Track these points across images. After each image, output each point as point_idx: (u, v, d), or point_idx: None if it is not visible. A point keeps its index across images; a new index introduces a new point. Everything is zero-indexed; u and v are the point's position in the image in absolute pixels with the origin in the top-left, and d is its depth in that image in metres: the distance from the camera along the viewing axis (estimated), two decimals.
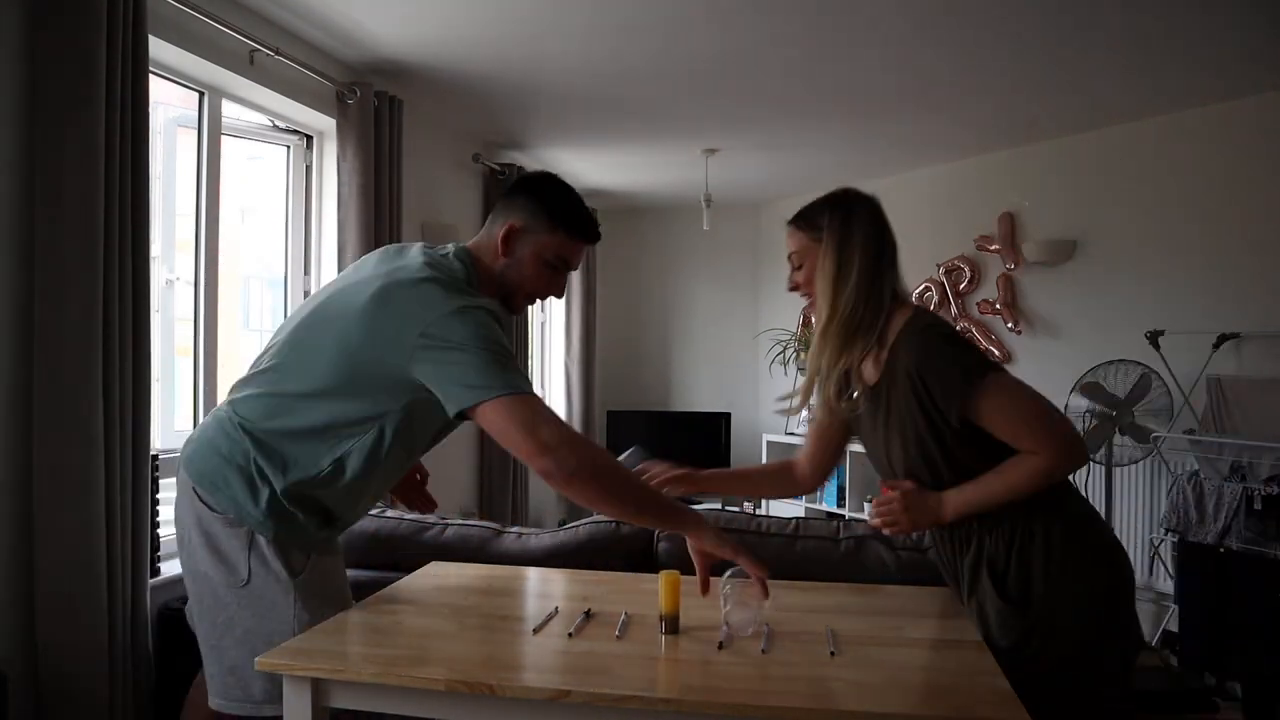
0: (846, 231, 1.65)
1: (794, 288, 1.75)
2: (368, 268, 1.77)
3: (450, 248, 1.79)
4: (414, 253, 1.77)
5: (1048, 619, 1.56)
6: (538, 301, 1.86)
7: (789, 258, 1.75)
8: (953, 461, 1.62)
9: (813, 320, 1.70)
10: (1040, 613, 1.56)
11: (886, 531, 1.71)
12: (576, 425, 5.93)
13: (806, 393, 1.74)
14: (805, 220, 1.72)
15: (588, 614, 1.75)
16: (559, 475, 1.54)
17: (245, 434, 1.66)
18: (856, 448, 5.54)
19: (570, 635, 1.63)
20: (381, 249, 1.87)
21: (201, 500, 1.67)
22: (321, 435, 1.65)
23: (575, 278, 5.87)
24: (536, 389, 5.93)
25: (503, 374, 1.53)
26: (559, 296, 1.87)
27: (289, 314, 1.84)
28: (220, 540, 1.66)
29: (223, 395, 1.84)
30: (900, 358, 1.61)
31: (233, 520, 1.66)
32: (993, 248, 4.75)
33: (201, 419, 1.84)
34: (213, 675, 1.68)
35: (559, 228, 1.76)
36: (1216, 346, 3.60)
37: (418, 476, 2.10)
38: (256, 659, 1.51)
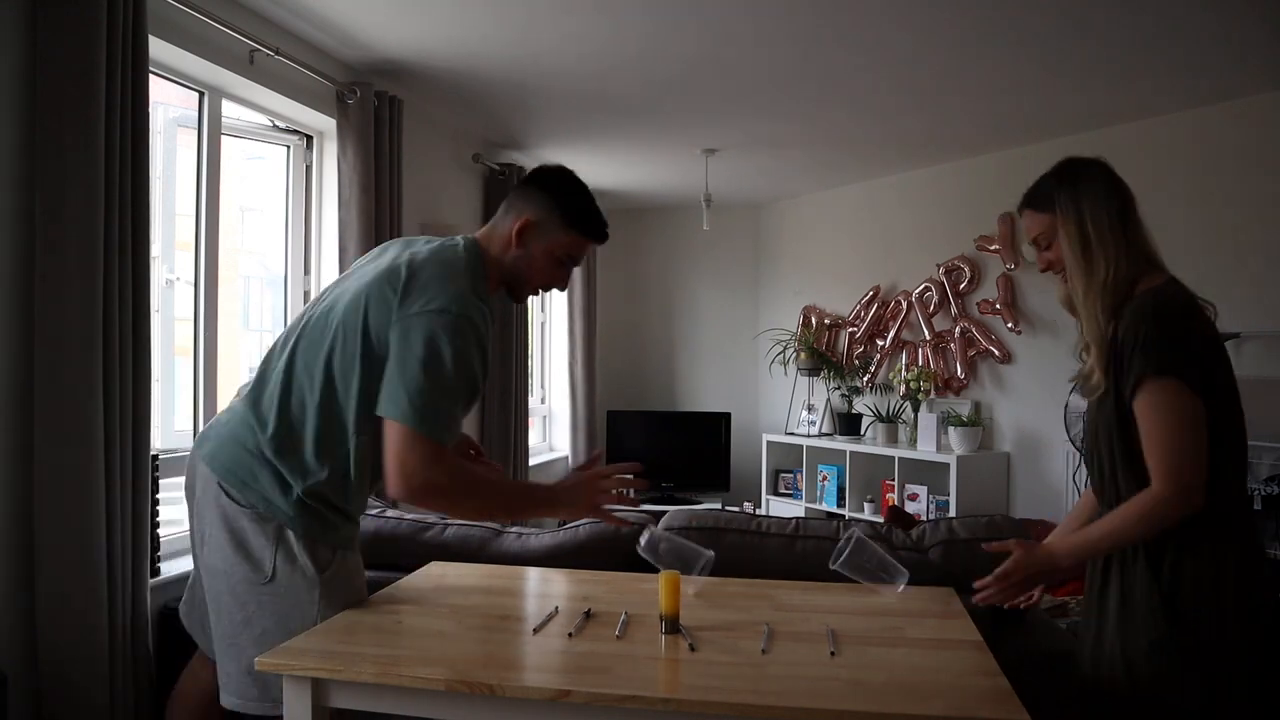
0: (1078, 198, 1.63)
1: (1046, 268, 1.72)
2: (381, 256, 1.79)
3: (459, 239, 1.81)
4: (421, 242, 1.81)
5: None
6: (539, 293, 1.89)
7: (1033, 242, 1.73)
8: (1134, 450, 1.53)
9: (1071, 296, 1.66)
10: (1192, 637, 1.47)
11: (1009, 606, 1.70)
12: (579, 425, 5.93)
13: (1099, 359, 1.60)
14: (1037, 199, 1.70)
15: (588, 614, 1.75)
16: (406, 496, 1.60)
17: (262, 430, 1.67)
18: (856, 447, 5.53)
19: (570, 635, 1.63)
20: (391, 241, 1.88)
21: (228, 495, 1.67)
22: (330, 432, 1.66)
23: (576, 278, 5.86)
24: (537, 389, 5.88)
25: (430, 408, 1.58)
26: (562, 290, 1.90)
27: (297, 312, 1.85)
28: (247, 535, 1.66)
29: (223, 395, 1.86)
30: (1120, 324, 1.56)
31: (262, 515, 1.66)
32: (993, 248, 4.75)
33: (218, 413, 1.83)
34: (229, 674, 1.68)
35: (573, 227, 1.81)
36: None
37: (471, 452, 2.07)
38: (256, 659, 1.52)
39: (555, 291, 6.38)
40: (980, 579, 1.66)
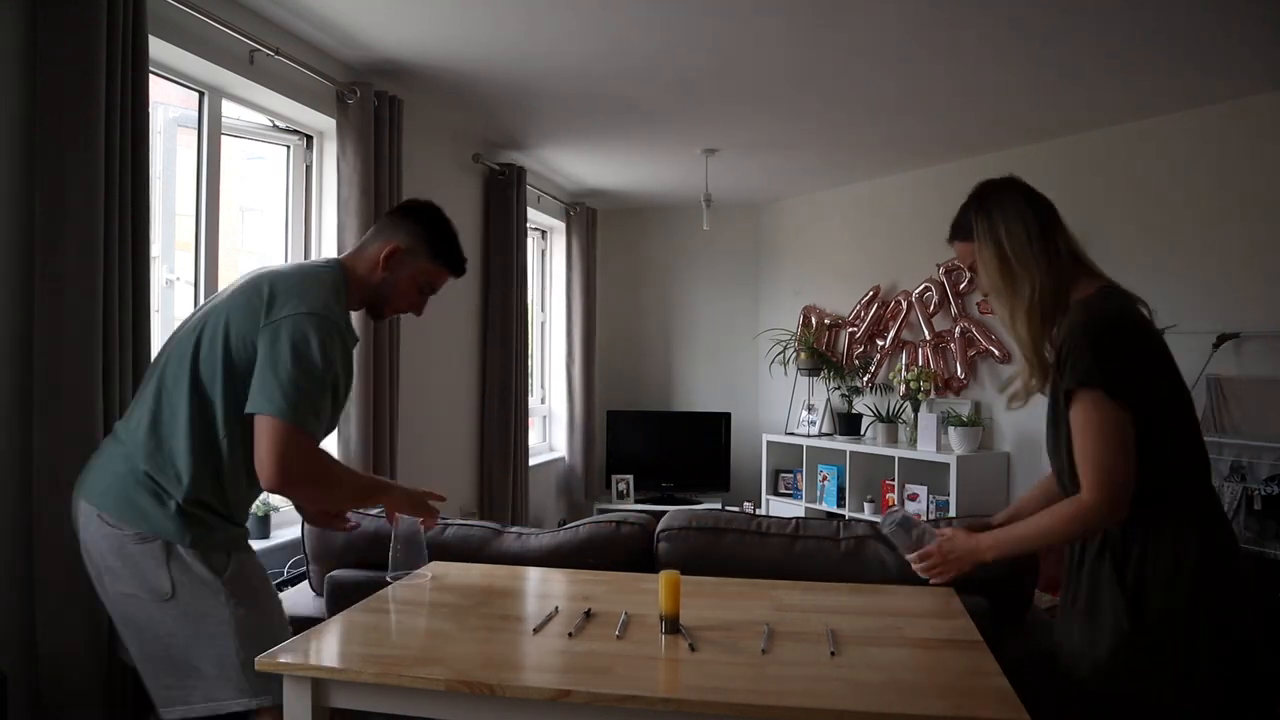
0: (993, 220, 1.64)
1: (986, 294, 1.74)
2: (242, 280, 1.86)
3: (325, 259, 1.95)
4: (283, 265, 1.93)
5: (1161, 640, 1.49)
6: (398, 316, 2.00)
7: (968, 271, 1.75)
8: (1070, 451, 1.56)
9: (1001, 319, 1.67)
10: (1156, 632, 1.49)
11: (935, 583, 1.80)
12: (577, 425, 5.94)
13: (1027, 379, 1.65)
14: (959, 228, 1.72)
15: (588, 614, 1.75)
16: (280, 486, 1.66)
17: (133, 445, 1.71)
18: (856, 447, 5.53)
19: (570, 635, 1.63)
20: (254, 269, 1.96)
21: (109, 524, 1.70)
22: (202, 433, 1.71)
23: (575, 278, 5.87)
24: (537, 389, 5.88)
25: (302, 402, 1.64)
26: (418, 315, 2.02)
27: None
28: (137, 559, 1.69)
29: None
30: (1061, 329, 1.57)
31: (145, 536, 1.68)
32: None
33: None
34: (166, 686, 1.71)
35: (438, 257, 1.93)
36: (1216, 346, 3.59)
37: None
38: (256, 659, 1.52)
39: (545, 289, 6.34)
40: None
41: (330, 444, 3.43)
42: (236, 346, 1.69)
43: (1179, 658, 1.47)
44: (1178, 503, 1.52)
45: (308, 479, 1.70)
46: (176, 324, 2.80)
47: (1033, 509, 1.72)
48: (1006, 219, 1.63)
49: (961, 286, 4.95)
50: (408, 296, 1.94)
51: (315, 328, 1.68)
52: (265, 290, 1.73)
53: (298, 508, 2.06)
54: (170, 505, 1.69)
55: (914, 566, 1.79)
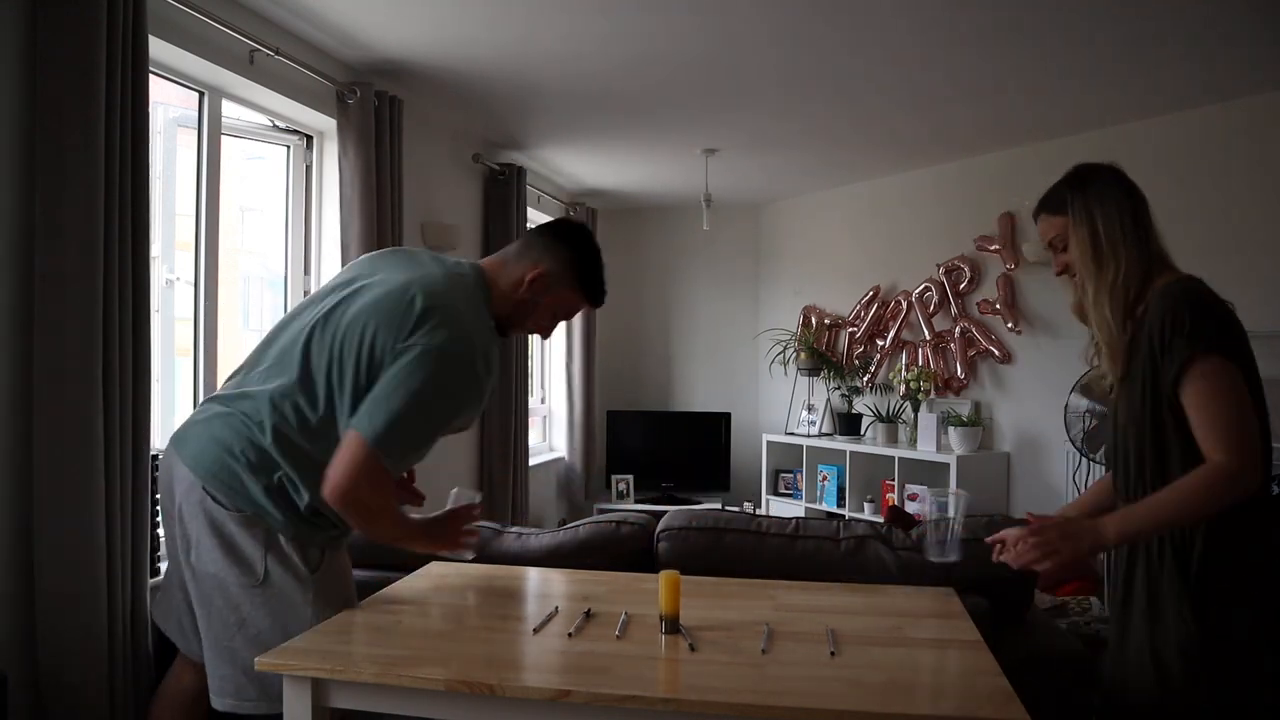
0: (1091, 202, 1.65)
1: (1061, 270, 1.73)
2: (380, 271, 1.78)
3: (467, 267, 1.83)
4: (427, 258, 1.82)
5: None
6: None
7: (1048, 246, 1.74)
8: (1168, 444, 1.52)
9: (1081, 301, 1.67)
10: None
11: (1039, 568, 1.54)
12: (577, 426, 5.94)
13: (1113, 361, 1.62)
14: (1051, 203, 1.72)
15: (588, 614, 1.75)
16: (337, 499, 1.61)
17: (275, 446, 1.67)
18: (856, 447, 5.52)
19: (570, 635, 1.63)
20: (387, 251, 1.88)
21: (214, 499, 1.66)
22: (325, 433, 1.67)
23: None
24: (537, 389, 5.88)
25: (396, 438, 1.60)
26: (545, 338, 2.00)
27: (287, 315, 1.85)
28: (236, 539, 1.66)
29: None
30: (1147, 318, 1.56)
31: (250, 518, 1.65)
32: (993, 248, 4.75)
33: (192, 414, 1.83)
34: (222, 677, 1.68)
35: (581, 289, 1.89)
36: None
37: (404, 474, 2.10)
38: (257, 659, 1.52)
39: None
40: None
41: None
42: (378, 355, 1.64)
43: (1242, 663, 1.45)
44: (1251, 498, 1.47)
45: (364, 508, 1.65)
46: (176, 324, 2.85)
47: (1090, 507, 1.70)
48: (1104, 202, 1.64)
49: (961, 286, 4.95)
50: (543, 320, 1.90)
51: (451, 364, 1.63)
52: (417, 303, 1.65)
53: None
54: (284, 500, 1.67)
55: (1013, 552, 1.56)
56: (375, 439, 1.58)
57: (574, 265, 1.87)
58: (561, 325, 6.36)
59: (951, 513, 1.79)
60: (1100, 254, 1.62)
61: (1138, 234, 1.62)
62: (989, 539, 1.68)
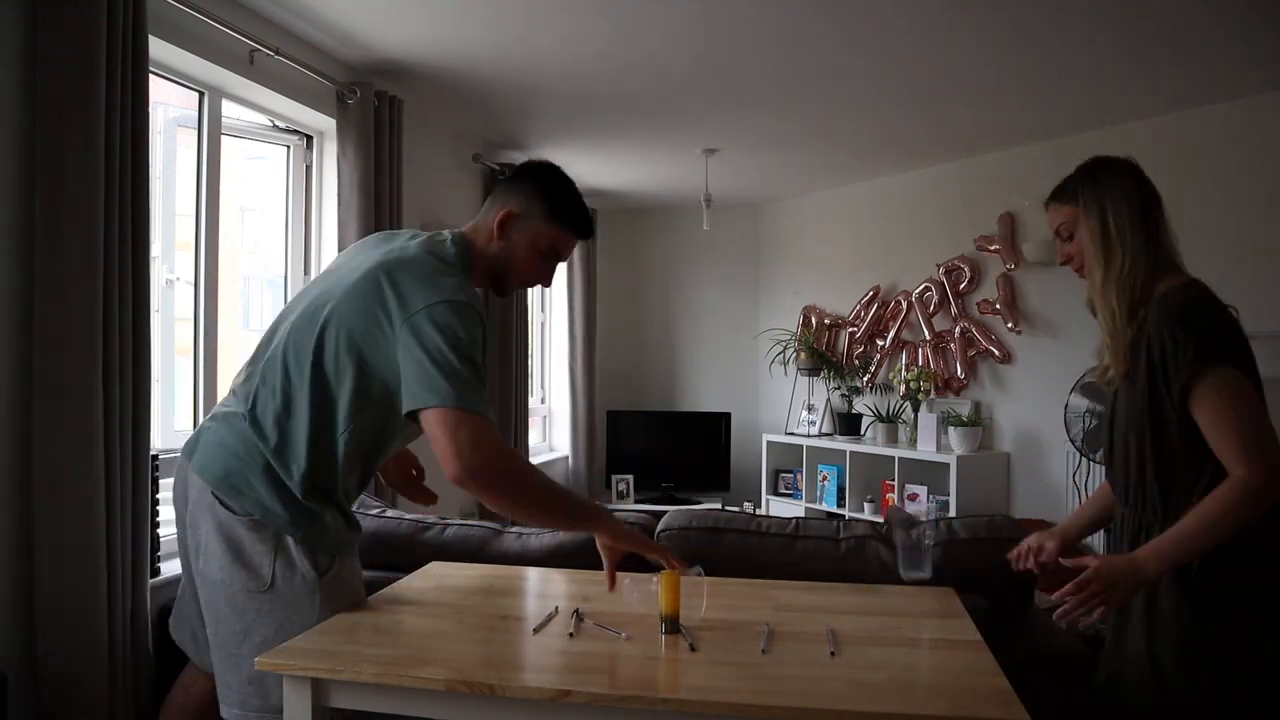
0: (1101, 192, 1.65)
1: (1065, 260, 1.73)
2: (361, 254, 1.78)
3: (447, 234, 1.81)
4: (405, 236, 1.81)
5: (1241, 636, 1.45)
6: (530, 289, 1.88)
7: (1055, 233, 1.74)
8: (1171, 447, 1.51)
9: (1089, 285, 1.66)
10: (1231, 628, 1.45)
11: (1085, 623, 1.49)
12: (579, 426, 5.94)
13: (1115, 355, 1.61)
14: (1063, 192, 1.72)
15: (577, 614, 1.75)
16: (464, 476, 1.51)
17: (256, 433, 1.66)
18: (856, 447, 5.52)
19: (570, 635, 1.63)
20: (372, 236, 1.87)
21: (223, 504, 1.66)
22: (323, 426, 1.66)
23: (576, 278, 5.86)
24: (537, 389, 5.84)
25: (457, 385, 1.52)
26: (547, 285, 1.88)
27: (285, 307, 1.85)
28: (244, 544, 1.65)
29: (223, 395, 1.85)
30: (1149, 321, 1.55)
31: (259, 522, 1.65)
32: (993, 248, 4.75)
33: (201, 420, 1.82)
34: (229, 685, 1.66)
35: (554, 219, 1.79)
36: None
37: (414, 472, 2.10)
38: (256, 659, 1.51)
39: (555, 291, 6.28)
40: (1058, 591, 1.50)
41: None
42: (364, 344, 1.61)
43: (1242, 664, 1.45)
44: None
45: (490, 470, 1.53)
46: (176, 324, 2.85)
47: (1090, 517, 1.69)
48: (1115, 193, 1.64)
49: (961, 286, 4.95)
50: (530, 265, 1.79)
51: (458, 315, 1.57)
52: (387, 286, 1.61)
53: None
54: (289, 497, 1.64)
55: (1064, 610, 1.49)
56: (446, 398, 1.51)
57: (540, 196, 1.78)
58: (561, 324, 6.28)
59: (925, 529, 1.81)
60: (1109, 243, 1.62)
61: (1146, 228, 1.62)
62: (1010, 554, 1.70)
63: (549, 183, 1.81)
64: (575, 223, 1.81)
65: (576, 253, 5.80)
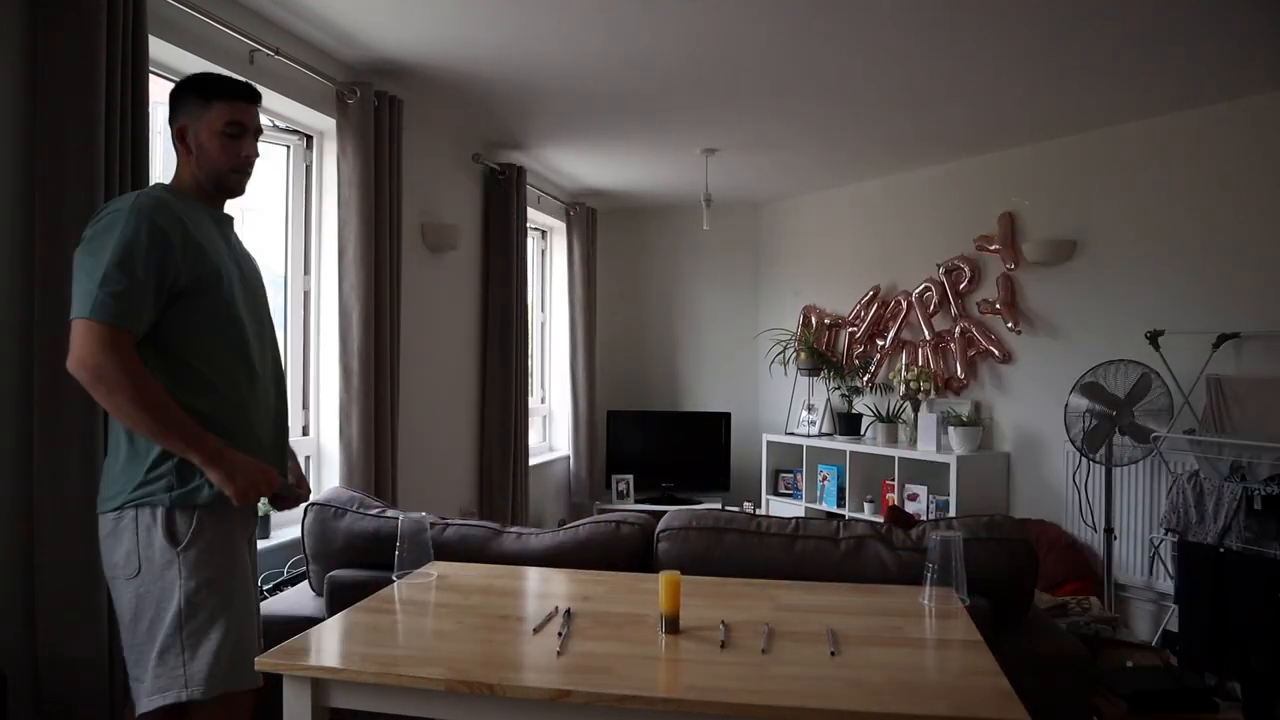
0: None
1: None
2: None
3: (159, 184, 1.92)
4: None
5: None
6: (244, 175, 1.91)
7: None
8: None
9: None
10: None
11: None
12: (579, 425, 5.94)
13: None
14: None
15: (567, 613, 1.75)
16: (82, 374, 1.63)
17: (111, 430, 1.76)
18: (856, 447, 5.52)
19: (560, 634, 1.63)
20: None
21: (100, 517, 1.76)
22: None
23: (576, 278, 5.87)
24: (537, 389, 5.79)
25: (94, 297, 1.62)
26: (255, 157, 1.91)
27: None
28: (114, 544, 1.73)
29: None
30: None
31: (120, 509, 1.71)
32: (993, 248, 4.75)
33: None
34: (136, 679, 1.71)
35: (212, 99, 1.85)
36: (1216, 346, 3.59)
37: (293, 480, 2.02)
38: (258, 658, 1.52)
39: (545, 289, 6.25)
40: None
41: (331, 443, 3.44)
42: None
43: None
44: None
45: (99, 375, 1.62)
46: None
47: None
48: None
49: (961, 286, 4.95)
50: (224, 151, 1.84)
51: (108, 227, 1.67)
52: (86, 231, 1.73)
53: (271, 500, 1.92)
54: (143, 459, 1.71)
55: None
56: (78, 308, 1.63)
57: (188, 96, 1.85)
58: (562, 324, 6.28)
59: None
60: None
61: None
62: None
63: (186, 83, 1.89)
64: (230, 90, 1.86)
65: (576, 252, 5.81)
